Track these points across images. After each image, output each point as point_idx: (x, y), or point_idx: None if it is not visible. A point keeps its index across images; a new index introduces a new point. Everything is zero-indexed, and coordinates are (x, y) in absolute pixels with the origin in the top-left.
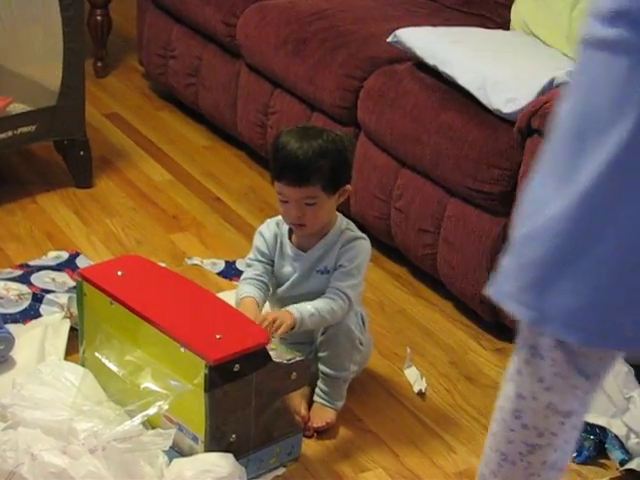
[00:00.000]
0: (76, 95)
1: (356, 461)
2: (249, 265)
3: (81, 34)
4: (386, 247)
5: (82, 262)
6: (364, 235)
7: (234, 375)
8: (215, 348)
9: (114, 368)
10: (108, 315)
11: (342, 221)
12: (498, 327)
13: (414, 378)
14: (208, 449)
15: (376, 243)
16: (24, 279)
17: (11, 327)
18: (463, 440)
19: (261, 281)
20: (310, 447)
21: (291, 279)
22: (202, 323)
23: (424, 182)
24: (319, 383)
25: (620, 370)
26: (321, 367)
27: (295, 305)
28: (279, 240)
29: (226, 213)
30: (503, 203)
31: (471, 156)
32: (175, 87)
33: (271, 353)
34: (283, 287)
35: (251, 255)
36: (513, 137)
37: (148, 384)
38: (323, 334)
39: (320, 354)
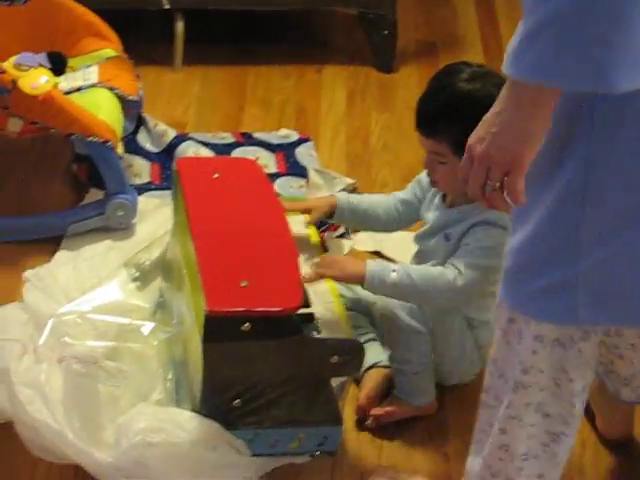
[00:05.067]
0: None
1: None
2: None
3: None
4: None
5: (304, 150)
6: (508, 224)
7: (241, 334)
8: (224, 295)
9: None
10: (182, 216)
11: None
12: None
13: None
14: (201, 405)
15: None
16: (224, 150)
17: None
18: None
19: (395, 204)
20: (362, 445)
21: (424, 227)
22: (241, 262)
23: None
24: None
25: None
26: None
27: (379, 260)
28: None
29: None
30: None
31: None
32: None
33: (320, 322)
34: (419, 231)
35: (413, 181)
36: None
37: (169, 308)
38: None
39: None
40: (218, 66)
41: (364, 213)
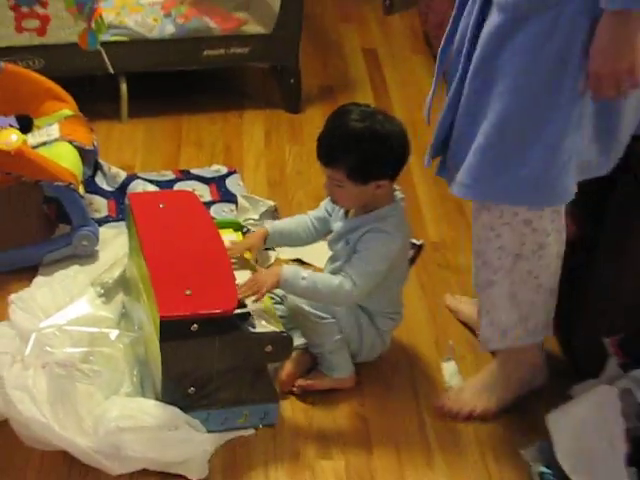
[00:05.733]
0: (292, 26)
1: (327, 446)
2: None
3: None
4: None
5: (232, 181)
6: (393, 231)
7: (191, 333)
8: (173, 303)
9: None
10: (135, 241)
11: (390, 210)
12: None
13: (450, 372)
14: (162, 394)
15: None
16: (166, 185)
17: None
18: (451, 463)
19: (311, 222)
20: (296, 416)
21: (331, 236)
22: (185, 275)
23: None
24: None
25: None
26: None
27: (293, 266)
28: None
29: None
30: None
31: None
32: (430, 35)
33: (254, 318)
34: (329, 238)
35: (325, 199)
36: None
37: (131, 317)
38: None
39: None
40: (157, 117)
41: (289, 235)
